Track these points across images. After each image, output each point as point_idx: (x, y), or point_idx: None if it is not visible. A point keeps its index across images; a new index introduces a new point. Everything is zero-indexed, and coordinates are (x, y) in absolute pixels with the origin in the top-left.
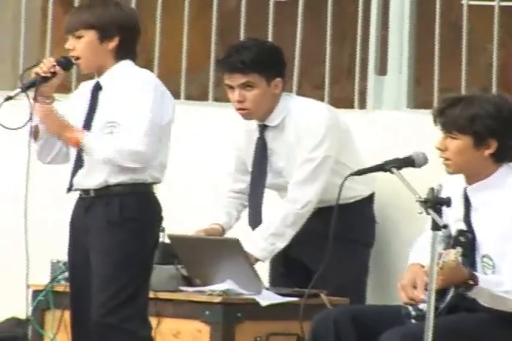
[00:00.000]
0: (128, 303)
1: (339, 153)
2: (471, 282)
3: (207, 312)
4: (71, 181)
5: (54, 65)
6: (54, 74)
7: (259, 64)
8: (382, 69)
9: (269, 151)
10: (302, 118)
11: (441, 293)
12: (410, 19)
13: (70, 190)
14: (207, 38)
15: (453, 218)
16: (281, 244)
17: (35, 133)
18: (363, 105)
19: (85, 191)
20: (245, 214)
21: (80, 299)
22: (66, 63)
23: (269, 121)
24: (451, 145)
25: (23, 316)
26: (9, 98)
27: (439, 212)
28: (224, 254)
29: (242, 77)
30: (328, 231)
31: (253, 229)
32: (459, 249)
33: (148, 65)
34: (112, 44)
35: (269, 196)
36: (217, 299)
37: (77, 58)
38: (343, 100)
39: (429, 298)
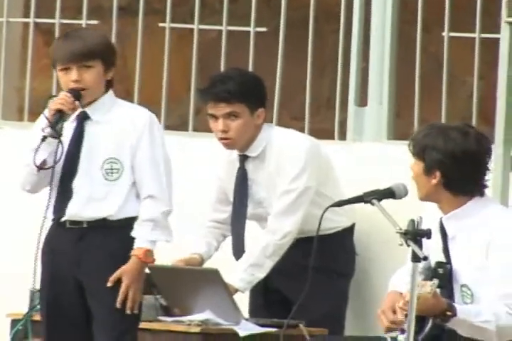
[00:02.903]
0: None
1: (319, 183)
2: (449, 313)
3: None
4: (60, 211)
5: (74, 101)
6: (73, 109)
7: (244, 94)
8: (362, 101)
9: (249, 182)
10: (283, 148)
11: (419, 325)
12: (391, 51)
13: (58, 219)
14: (186, 68)
15: (433, 249)
16: (261, 275)
17: (42, 166)
18: (342, 136)
19: (76, 222)
20: (224, 244)
21: (58, 332)
22: (78, 96)
23: (249, 151)
24: (412, 168)
25: None
26: (45, 138)
27: (419, 244)
28: (203, 284)
29: (227, 106)
30: (308, 262)
31: (237, 259)
32: (436, 281)
33: (128, 95)
34: (110, 74)
35: (252, 226)
36: (196, 329)
37: (84, 89)
38: (323, 131)
39: (408, 329)
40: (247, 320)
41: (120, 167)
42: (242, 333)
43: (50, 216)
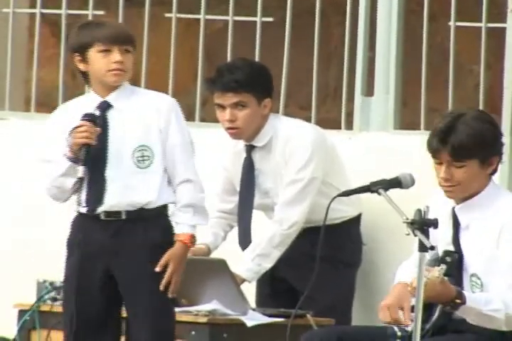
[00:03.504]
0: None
1: (326, 173)
2: (458, 301)
3: (193, 333)
4: (95, 203)
5: (96, 129)
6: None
7: (251, 84)
8: (369, 91)
9: (256, 171)
10: (289, 139)
11: (427, 313)
12: (397, 40)
13: (93, 211)
14: (193, 58)
15: (441, 239)
16: (268, 265)
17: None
18: (349, 126)
19: (113, 213)
20: (231, 234)
21: (85, 324)
22: (94, 119)
23: (256, 141)
24: (457, 173)
25: (10, 336)
26: (80, 179)
27: (426, 234)
28: (210, 275)
29: (235, 96)
30: (315, 252)
31: (243, 249)
32: (443, 266)
33: (134, 85)
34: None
35: (259, 216)
36: (203, 319)
37: (123, 70)
38: (329, 121)
39: (415, 319)
40: (254, 310)
41: (151, 154)
42: (249, 323)
43: (83, 208)
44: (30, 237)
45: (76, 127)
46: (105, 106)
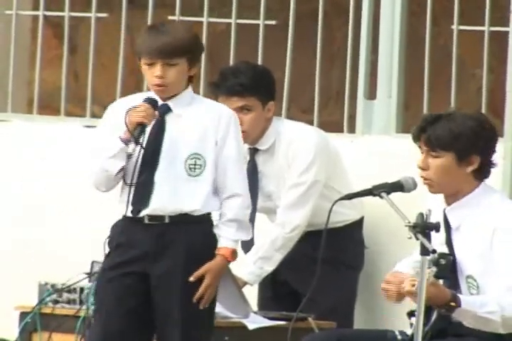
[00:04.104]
0: None
1: (328, 177)
2: (453, 304)
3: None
4: (141, 205)
5: (154, 111)
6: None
7: (256, 87)
8: (371, 94)
9: (259, 174)
10: (292, 142)
11: (425, 316)
12: (400, 43)
13: (138, 213)
14: None
15: (436, 241)
16: (270, 268)
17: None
18: (351, 129)
19: (157, 217)
20: None
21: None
22: (155, 105)
23: (260, 144)
24: (433, 163)
25: (11, 338)
26: (130, 155)
27: (428, 237)
28: None
29: (240, 100)
30: (317, 255)
31: (245, 252)
32: (433, 269)
33: (137, 87)
34: (194, 70)
35: (261, 219)
36: None
37: (165, 86)
38: (331, 124)
39: (416, 323)
40: (255, 313)
41: (203, 163)
42: (251, 326)
43: (128, 210)
44: (30, 237)
45: (134, 107)
46: (165, 110)
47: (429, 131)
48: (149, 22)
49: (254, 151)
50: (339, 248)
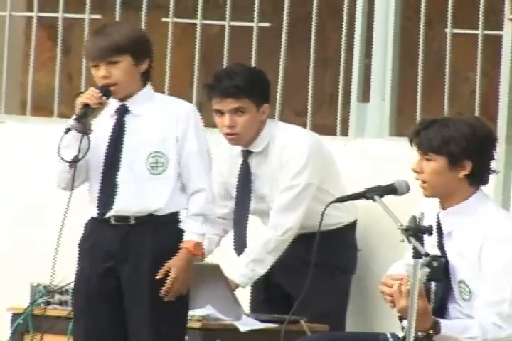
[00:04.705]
0: None
1: (322, 180)
2: (432, 332)
3: (186, 338)
4: (105, 206)
5: (101, 96)
6: (101, 104)
7: (250, 89)
8: (364, 97)
9: (252, 177)
10: (286, 144)
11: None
12: (393, 47)
13: (103, 214)
14: (189, 63)
15: (428, 243)
16: (262, 270)
17: (73, 163)
18: (345, 132)
19: (123, 218)
20: (226, 238)
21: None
22: (107, 92)
23: (253, 146)
24: (426, 167)
25: (3, 339)
26: (68, 130)
27: (421, 240)
28: (204, 279)
29: (234, 102)
30: (310, 258)
31: (238, 254)
32: (427, 269)
33: None
34: (144, 66)
35: (254, 221)
36: (197, 324)
37: (114, 85)
38: (325, 127)
39: (408, 325)
40: (247, 315)
41: (165, 161)
42: (242, 329)
43: (94, 211)
44: (30, 237)
45: (83, 92)
46: (123, 111)
47: (422, 134)
48: (143, 24)
49: (247, 153)
50: (332, 251)
